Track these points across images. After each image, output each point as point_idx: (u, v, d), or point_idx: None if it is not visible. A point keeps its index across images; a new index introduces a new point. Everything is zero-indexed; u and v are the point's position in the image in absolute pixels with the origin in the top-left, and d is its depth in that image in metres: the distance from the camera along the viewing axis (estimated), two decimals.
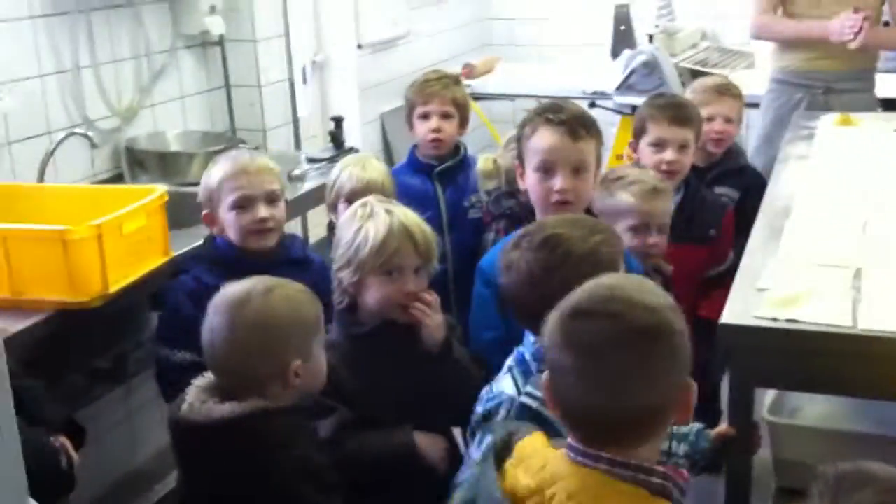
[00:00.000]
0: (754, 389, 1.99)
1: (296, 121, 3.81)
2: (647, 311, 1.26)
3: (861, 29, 3.41)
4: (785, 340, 1.87)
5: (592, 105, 4.24)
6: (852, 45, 3.44)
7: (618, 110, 4.40)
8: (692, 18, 5.09)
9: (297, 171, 3.22)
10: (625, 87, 4.32)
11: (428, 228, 2.03)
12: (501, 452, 1.35)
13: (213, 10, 3.37)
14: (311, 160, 3.33)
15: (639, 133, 2.79)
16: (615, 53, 4.82)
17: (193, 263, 2.27)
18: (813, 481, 1.08)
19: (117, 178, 3.01)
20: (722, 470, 2.02)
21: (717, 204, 2.81)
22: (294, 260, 2.31)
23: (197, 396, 1.66)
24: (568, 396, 1.26)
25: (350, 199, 2.49)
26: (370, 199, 2.07)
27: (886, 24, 3.73)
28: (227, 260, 2.22)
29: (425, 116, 2.89)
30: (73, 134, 2.82)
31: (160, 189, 2.40)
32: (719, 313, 1.91)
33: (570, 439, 1.29)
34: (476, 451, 1.66)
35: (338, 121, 3.48)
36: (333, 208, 2.59)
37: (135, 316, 2.38)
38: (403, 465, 1.94)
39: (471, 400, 1.76)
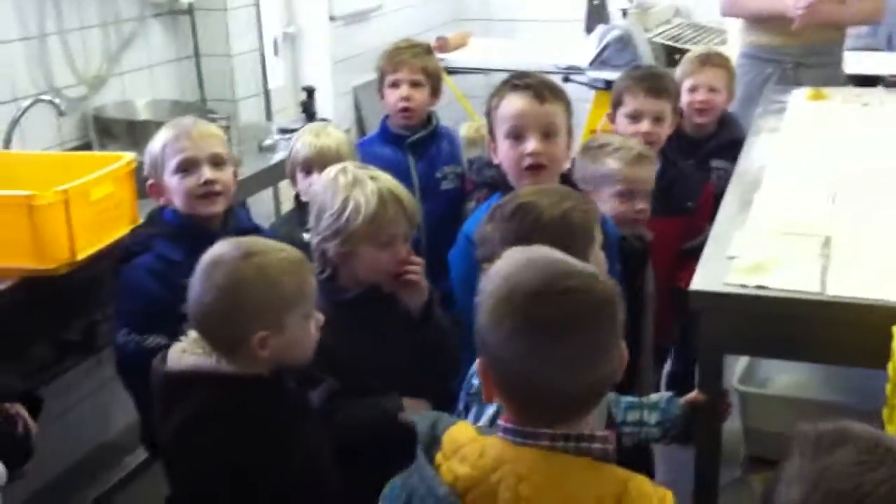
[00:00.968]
0: (724, 356, 2.00)
1: (267, 92, 3.77)
2: (592, 281, 1.24)
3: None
4: (754, 306, 1.88)
5: (566, 80, 4.23)
6: (795, 25, 3.48)
7: (591, 85, 4.38)
8: None
9: (267, 142, 3.19)
10: (598, 62, 4.31)
11: (408, 193, 2.01)
12: (429, 446, 1.28)
13: None
14: (283, 130, 3.31)
15: (616, 104, 2.78)
16: (589, 29, 4.81)
17: (152, 243, 2.16)
18: (793, 440, 1.07)
19: (85, 147, 2.96)
20: (692, 440, 2.03)
21: (696, 178, 2.80)
22: (243, 230, 2.19)
23: (181, 347, 1.67)
24: (517, 381, 1.22)
25: (306, 169, 2.45)
26: (347, 164, 2.03)
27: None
28: (181, 231, 2.13)
29: (395, 85, 2.85)
30: (39, 101, 2.77)
31: (128, 156, 2.37)
32: None
33: (502, 422, 1.24)
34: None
35: (309, 91, 3.45)
36: (293, 179, 2.53)
37: (104, 285, 2.33)
38: (394, 432, 1.92)
39: (454, 362, 1.75)
